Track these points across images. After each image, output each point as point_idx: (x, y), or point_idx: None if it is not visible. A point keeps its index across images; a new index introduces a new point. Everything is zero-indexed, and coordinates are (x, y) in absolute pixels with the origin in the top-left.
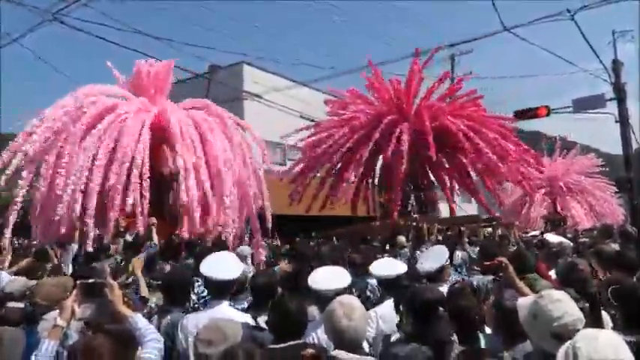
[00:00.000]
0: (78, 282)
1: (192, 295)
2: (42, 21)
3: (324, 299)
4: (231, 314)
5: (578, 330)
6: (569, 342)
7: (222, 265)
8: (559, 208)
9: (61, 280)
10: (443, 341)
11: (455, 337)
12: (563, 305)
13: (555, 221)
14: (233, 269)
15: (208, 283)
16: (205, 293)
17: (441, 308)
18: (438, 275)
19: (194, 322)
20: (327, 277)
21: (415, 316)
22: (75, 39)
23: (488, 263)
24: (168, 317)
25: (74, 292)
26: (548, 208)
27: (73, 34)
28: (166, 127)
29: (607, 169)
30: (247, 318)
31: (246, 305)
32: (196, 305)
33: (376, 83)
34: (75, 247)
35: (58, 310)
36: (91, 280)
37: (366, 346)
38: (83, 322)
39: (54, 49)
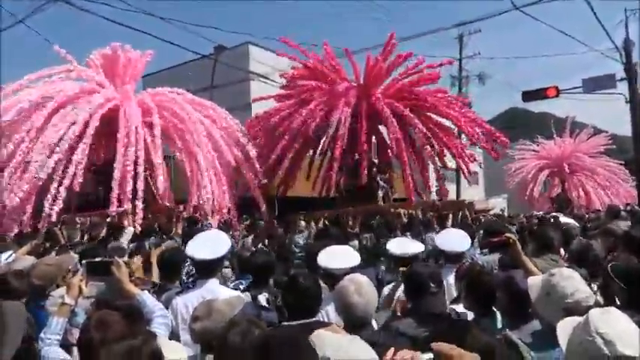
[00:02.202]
0: (84, 261)
1: (182, 275)
2: (47, 1)
3: (334, 278)
4: (219, 291)
5: (589, 306)
6: (582, 320)
7: (206, 245)
8: (566, 189)
9: (58, 260)
10: (437, 315)
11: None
12: (575, 282)
13: (562, 202)
14: (216, 249)
15: (194, 263)
16: (194, 271)
17: (432, 284)
18: (458, 257)
19: (183, 301)
20: (337, 256)
21: (409, 292)
22: (81, 20)
23: (495, 240)
24: (163, 296)
25: (80, 270)
26: (557, 188)
27: (80, 14)
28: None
29: (614, 146)
30: (237, 293)
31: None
32: (186, 283)
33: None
34: (131, 229)
35: (64, 288)
36: (97, 259)
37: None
38: (93, 300)
39: (60, 30)
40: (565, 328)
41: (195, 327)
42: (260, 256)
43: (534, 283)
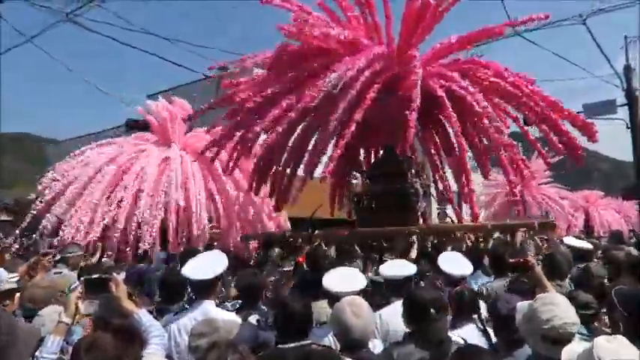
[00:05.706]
0: (82, 278)
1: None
2: (57, 21)
3: (339, 301)
4: (214, 313)
5: (570, 333)
6: (587, 348)
7: (201, 266)
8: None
9: (52, 282)
10: (440, 341)
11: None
12: (555, 309)
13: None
14: (212, 269)
15: (190, 283)
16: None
17: (432, 310)
18: (459, 282)
19: (176, 325)
20: (343, 279)
21: (410, 317)
22: (88, 39)
23: (513, 261)
24: (164, 318)
25: (78, 288)
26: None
27: (87, 34)
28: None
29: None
30: (232, 315)
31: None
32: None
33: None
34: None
35: (53, 307)
36: (95, 276)
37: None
38: (90, 319)
39: (67, 49)
40: (570, 355)
41: (201, 343)
42: (246, 279)
43: (521, 307)
